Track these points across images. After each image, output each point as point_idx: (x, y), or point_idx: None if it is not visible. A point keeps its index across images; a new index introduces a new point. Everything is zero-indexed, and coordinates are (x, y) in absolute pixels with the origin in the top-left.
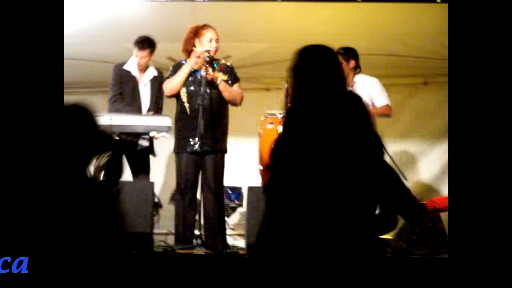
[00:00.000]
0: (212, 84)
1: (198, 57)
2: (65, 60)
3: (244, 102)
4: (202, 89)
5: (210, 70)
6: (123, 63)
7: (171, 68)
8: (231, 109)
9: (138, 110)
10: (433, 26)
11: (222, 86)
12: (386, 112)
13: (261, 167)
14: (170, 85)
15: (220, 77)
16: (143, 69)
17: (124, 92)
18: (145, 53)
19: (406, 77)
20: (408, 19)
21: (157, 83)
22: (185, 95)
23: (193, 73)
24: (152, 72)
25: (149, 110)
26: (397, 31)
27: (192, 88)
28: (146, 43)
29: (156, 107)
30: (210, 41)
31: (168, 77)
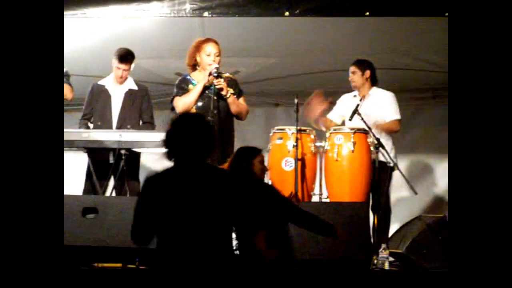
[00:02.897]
0: (220, 97)
1: (210, 74)
2: (73, 76)
3: (253, 117)
4: (212, 104)
5: (221, 80)
6: (100, 80)
7: (176, 83)
8: (240, 125)
9: (108, 125)
10: (441, 40)
11: (231, 99)
12: (394, 128)
13: (270, 182)
14: (184, 103)
15: (230, 90)
16: (122, 82)
17: (95, 108)
18: (126, 66)
19: (415, 91)
20: (416, 33)
21: (134, 97)
22: (194, 110)
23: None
24: (128, 85)
25: (122, 123)
26: (405, 45)
27: (200, 103)
28: (129, 56)
29: (138, 121)
30: (209, 55)
31: (177, 95)
